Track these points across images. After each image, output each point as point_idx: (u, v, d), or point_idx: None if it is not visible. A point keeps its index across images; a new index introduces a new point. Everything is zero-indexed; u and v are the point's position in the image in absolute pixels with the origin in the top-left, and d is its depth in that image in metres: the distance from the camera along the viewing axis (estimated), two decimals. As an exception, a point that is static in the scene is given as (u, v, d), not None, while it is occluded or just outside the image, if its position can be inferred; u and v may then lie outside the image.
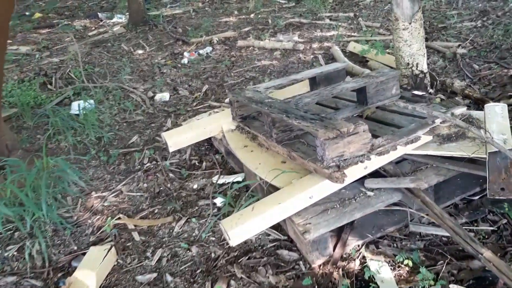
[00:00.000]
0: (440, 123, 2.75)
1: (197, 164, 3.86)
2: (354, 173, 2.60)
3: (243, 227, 2.46)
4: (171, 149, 3.60)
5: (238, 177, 3.45)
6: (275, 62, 6.03)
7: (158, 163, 3.91)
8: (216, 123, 3.74)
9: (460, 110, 2.84)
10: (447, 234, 2.56)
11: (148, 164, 3.94)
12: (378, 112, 3.21)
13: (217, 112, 4.65)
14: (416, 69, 4.18)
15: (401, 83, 4.24)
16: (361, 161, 2.50)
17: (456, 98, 4.23)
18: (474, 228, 2.62)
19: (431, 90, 4.31)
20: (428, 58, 4.86)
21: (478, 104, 4.05)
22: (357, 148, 2.46)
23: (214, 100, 5.11)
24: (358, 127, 2.44)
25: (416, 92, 3.34)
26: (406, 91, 3.60)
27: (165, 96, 5.38)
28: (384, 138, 2.60)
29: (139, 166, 3.93)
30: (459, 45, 5.38)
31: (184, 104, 5.16)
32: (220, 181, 3.50)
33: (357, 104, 3.35)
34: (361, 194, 2.68)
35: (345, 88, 3.16)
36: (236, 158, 3.37)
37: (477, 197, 2.83)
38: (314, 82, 3.88)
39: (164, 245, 2.95)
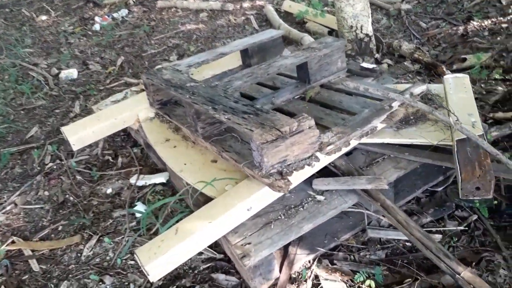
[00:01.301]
0: (398, 106, 2.33)
1: (111, 160, 3.25)
2: (299, 175, 2.15)
3: (165, 257, 1.96)
4: (74, 148, 2.95)
5: (161, 178, 2.90)
6: (202, 26, 5.37)
7: (63, 162, 3.26)
8: (130, 111, 3.12)
9: (420, 89, 2.44)
10: (411, 239, 2.19)
11: (51, 164, 3.27)
12: (323, 92, 2.74)
13: (135, 91, 4.01)
14: (361, 32, 3.74)
15: (344, 49, 3.79)
16: (308, 164, 2.03)
17: (405, 63, 3.87)
18: (442, 229, 2.27)
19: (377, 55, 3.91)
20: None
21: (430, 69, 3.71)
22: (303, 149, 1.99)
23: (132, 75, 4.43)
24: (302, 123, 1.95)
25: (364, 65, 2.89)
26: (352, 63, 3.14)
27: (72, 73, 4.60)
28: (334, 133, 2.14)
29: (39, 168, 3.26)
30: (403, 0, 4.99)
31: (95, 82, 4.44)
32: (140, 183, 2.93)
33: (298, 82, 2.86)
34: (309, 198, 2.24)
35: (283, 65, 2.64)
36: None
37: (440, 188, 2.48)
38: (246, 54, 3.33)
39: (70, 276, 2.38)
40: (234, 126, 2.06)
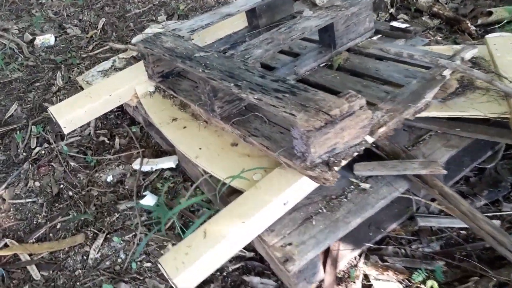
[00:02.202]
0: (450, 74, 2.03)
1: (107, 142, 2.89)
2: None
3: (195, 267, 1.68)
4: (65, 131, 2.58)
5: (170, 162, 2.57)
6: (189, -21, 4.86)
7: (52, 146, 2.88)
8: (126, 85, 2.74)
9: (471, 53, 2.12)
10: (466, 226, 1.95)
11: (38, 148, 2.90)
12: (353, 58, 2.40)
13: (123, 58, 3.60)
14: (377, -16, 3.36)
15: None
16: (358, 151, 1.74)
17: (423, 18, 3.52)
18: (499, 213, 2.03)
19: (391, 10, 3.56)
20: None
21: (451, 24, 3.38)
22: (354, 135, 1.68)
23: (117, 40, 3.98)
24: (352, 103, 1.63)
25: (395, 24, 2.55)
26: (379, 23, 2.78)
27: (49, 39, 4.12)
28: (385, 111, 1.83)
29: (24, 154, 2.88)
30: None
31: (76, 49, 3.98)
32: (145, 168, 2.60)
33: (320, 47, 2.51)
34: (352, 186, 1.96)
35: (307, 28, 2.28)
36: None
37: (490, 165, 2.23)
38: (253, 14, 2.94)
39: (78, 284, 2.09)
40: (267, 108, 1.74)
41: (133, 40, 3.77)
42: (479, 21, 3.34)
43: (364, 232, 2.03)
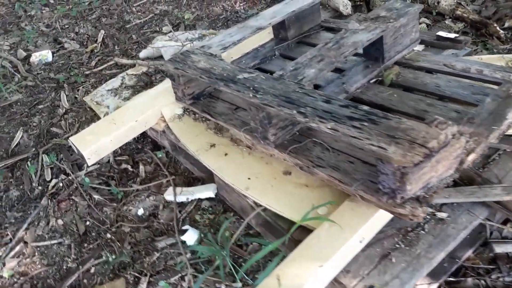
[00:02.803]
0: (522, 90, 1.90)
1: (130, 169, 2.68)
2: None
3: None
4: (90, 162, 2.36)
5: (208, 191, 2.37)
6: (189, -14, 4.64)
7: (70, 176, 2.64)
8: (152, 108, 2.53)
9: (540, 66, 2.00)
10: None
11: (54, 180, 2.66)
12: (405, 72, 2.25)
13: (132, 74, 3.38)
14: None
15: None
16: (447, 183, 1.59)
17: (446, 22, 3.41)
18: None
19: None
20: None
21: (477, 28, 3.28)
22: (447, 166, 1.53)
23: (121, 54, 3.75)
24: (446, 131, 1.48)
25: (442, 34, 2.41)
26: (423, 32, 2.63)
27: (46, 55, 3.84)
28: (468, 136, 1.68)
29: (40, 188, 2.63)
30: None
31: (78, 65, 3.72)
32: (179, 199, 2.40)
33: (365, 60, 2.35)
34: (428, 216, 1.81)
35: (358, 43, 2.13)
36: (196, 159, 2.28)
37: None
38: (281, 26, 2.76)
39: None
40: (347, 140, 1.57)
41: (141, 54, 3.55)
42: (506, 24, 3.25)
43: (439, 263, 1.89)
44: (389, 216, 1.75)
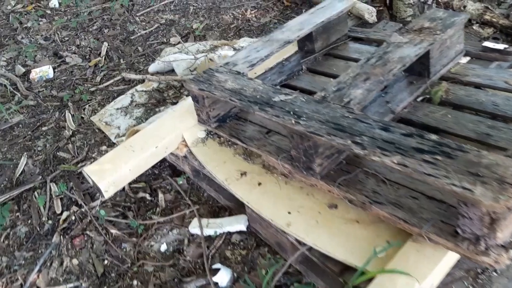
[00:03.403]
0: None
1: (148, 198, 2.45)
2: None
3: None
4: (107, 195, 2.14)
5: (239, 224, 2.15)
6: (195, -8, 4.43)
7: (82, 208, 2.42)
8: (172, 132, 2.31)
9: None
10: None
11: (65, 213, 2.43)
12: (455, 89, 2.05)
13: (143, 91, 3.17)
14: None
15: (403, 15, 3.13)
16: (534, 223, 1.38)
17: (474, 27, 3.22)
18: None
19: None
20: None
21: (508, 34, 3.09)
22: (538, 206, 1.33)
23: (127, 68, 3.52)
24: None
25: (489, 45, 2.22)
26: (467, 42, 2.42)
27: (46, 71, 3.61)
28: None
29: (50, 222, 2.40)
30: None
31: (82, 81, 3.49)
32: (206, 232, 2.18)
33: (408, 76, 2.15)
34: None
35: (405, 58, 1.92)
36: (225, 189, 2.07)
37: None
38: (307, 38, 2.55)
39: None
40: (421, 178, 1.36)
41: (150, 68, 3.34)
42: (540, 28, 3.07)
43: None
44: (457, 257, 1.55)
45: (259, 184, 2.00)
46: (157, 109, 2.96)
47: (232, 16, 3.87)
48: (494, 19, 3.18)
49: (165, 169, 2.60)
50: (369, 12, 3.13)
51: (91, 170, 2.15)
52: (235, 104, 1.95)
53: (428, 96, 2.04)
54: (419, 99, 2.05)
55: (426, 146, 1.43)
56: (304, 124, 1.67)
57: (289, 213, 1.84)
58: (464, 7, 3.31)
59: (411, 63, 1.93)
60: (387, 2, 3.40)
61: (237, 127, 2.19)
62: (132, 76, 3.33)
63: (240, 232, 2.16)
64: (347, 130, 1.59)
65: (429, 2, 3.11)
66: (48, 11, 4.59)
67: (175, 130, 2.31)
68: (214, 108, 2.19)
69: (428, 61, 2.04)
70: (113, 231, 2.28)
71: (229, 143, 2.24)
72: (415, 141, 1.46)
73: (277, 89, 1.94)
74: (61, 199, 2.51)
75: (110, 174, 2.12)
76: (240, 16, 3.85)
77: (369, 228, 1.71)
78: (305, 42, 2.59)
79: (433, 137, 1.47)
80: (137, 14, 4.21)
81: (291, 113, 1.75)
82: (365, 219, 1.74)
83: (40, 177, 2.67)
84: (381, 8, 3.54)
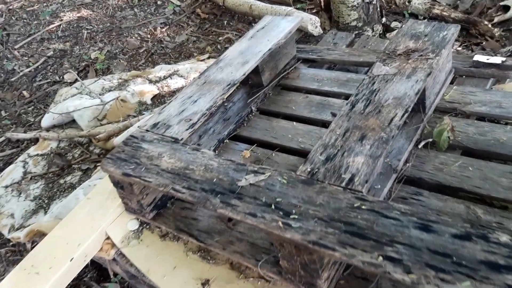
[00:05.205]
0: None
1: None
2: None
3: None
4: None
5: None
6: (87, 12, 3.64)
7: None
8: (92, 233, 1.65)
9: None
10: None
11: None
12: (460, 125, 1.61)
13: (38, 155, 2.47)
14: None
15: (346, 20, 2.70)
16: None
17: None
18: None
19: (383, 20, 2.86)
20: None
21: (464, 29, 2.77)
22: None
23: (12, 123, 2.74)
24: None
25: (481, 59, 1.79)
26: (458, 58, 1.96)
27: None
28: None
29: None
30: None
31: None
32: None
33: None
34: None
35: (404, 98, 1.45)
36: None
37: None
38: (253, 71, 1.98)
39: None
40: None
41: (44, 121, 2.61)
42: (496, 19, 2.78)
43: None
44: None
45: (233, 299, 1.43)
46: (61, 181, 2.26)
47: (139, 38, 3.18)
48: (444, 13, 2.83)
49: (89, 270, 1.93)
50: (313, 23, 2.63)
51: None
52: (183, 196, 1.35)
53: (431, 140, 1.57)
54: (421, 145, 1.58)
55: (499, 256, 0.95)
56: (299, 228, 1.12)
57: None
58: (409, 1, 2.94)
59: (413, 104, 1.44)
60: (322, 5, 2.93)
61: (184, 214, 1.60)
62: (21, 135, 2.57)
63: None
64: (368, 235, 1.07)
65: (374, 2, 2.68)
66: None
67: (95, 228, 1.65)
68: (147, 194, 1.57)
69: (424, 93, 1.58)
70: None
71: (177, 237, 1.63)
72: (479, 247, 0.98)
73: (239, 165, 1.37)
74: None
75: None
76: (149, 36, 3.17)
77: None
78: (249, 75, 2.02)
79: (503, 238, 0.99)
80: (15, 47, 3.36)
81: (272, 207, 1.20)
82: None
83: None
84: (315, 11, 3.07)
